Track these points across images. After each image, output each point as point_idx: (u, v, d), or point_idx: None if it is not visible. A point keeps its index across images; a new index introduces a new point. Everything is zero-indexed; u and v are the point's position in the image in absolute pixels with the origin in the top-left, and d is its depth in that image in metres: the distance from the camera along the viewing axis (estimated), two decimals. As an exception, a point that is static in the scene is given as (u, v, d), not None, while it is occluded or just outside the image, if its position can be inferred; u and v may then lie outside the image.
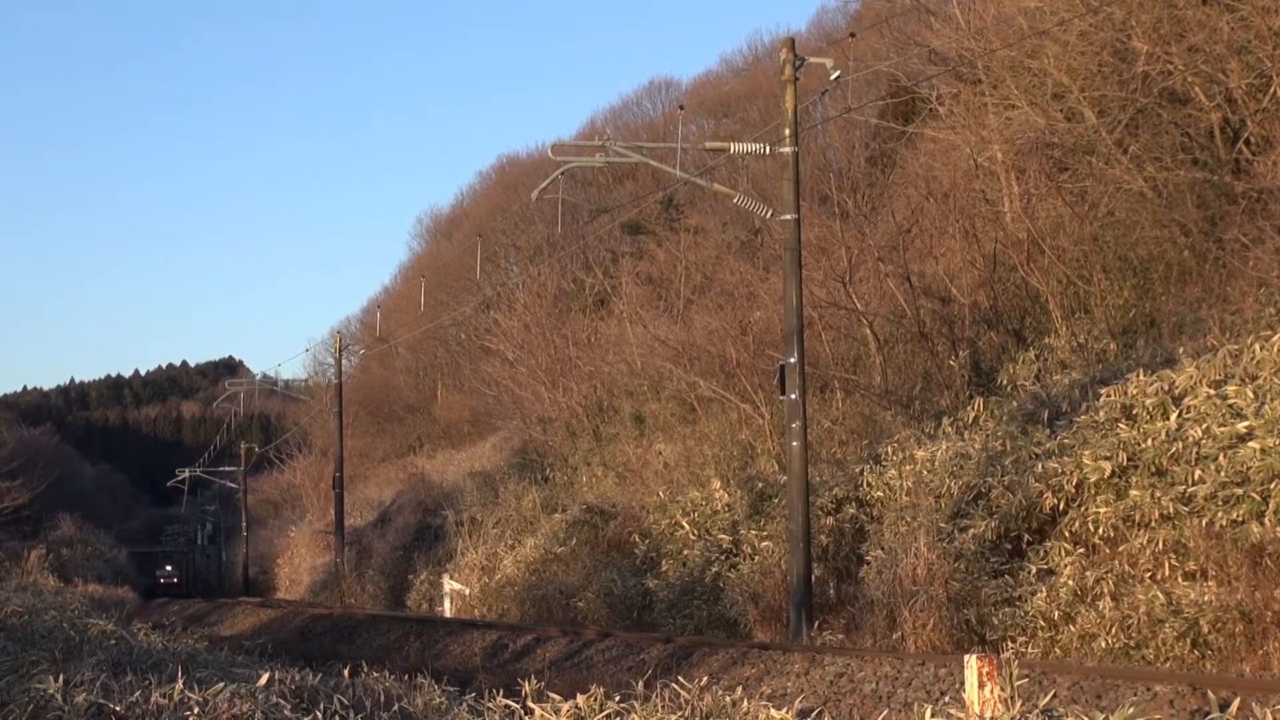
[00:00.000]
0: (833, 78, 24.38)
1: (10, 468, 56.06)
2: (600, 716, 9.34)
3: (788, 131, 22.95)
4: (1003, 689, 9.79)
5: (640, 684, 11.04)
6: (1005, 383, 26.88)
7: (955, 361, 30.45)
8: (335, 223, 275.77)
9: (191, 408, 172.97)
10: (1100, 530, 19.38)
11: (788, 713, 9.18)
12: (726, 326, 38.12)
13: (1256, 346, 19.59)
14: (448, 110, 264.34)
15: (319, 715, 9.80)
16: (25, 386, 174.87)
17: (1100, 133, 28.45)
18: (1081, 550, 19.72)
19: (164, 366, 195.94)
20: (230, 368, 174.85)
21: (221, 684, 10.37)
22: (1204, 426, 18.66)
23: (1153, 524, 18.57)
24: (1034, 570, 20.09)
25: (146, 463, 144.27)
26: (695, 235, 50.36)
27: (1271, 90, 25.53)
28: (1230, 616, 16.33)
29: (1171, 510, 18.33)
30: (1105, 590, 18.43)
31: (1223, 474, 17.76)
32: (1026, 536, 20.91)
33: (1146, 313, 27.34)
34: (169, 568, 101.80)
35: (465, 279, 73.67)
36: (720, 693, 10.02)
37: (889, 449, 26.47)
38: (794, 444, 22.46)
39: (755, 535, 27.29)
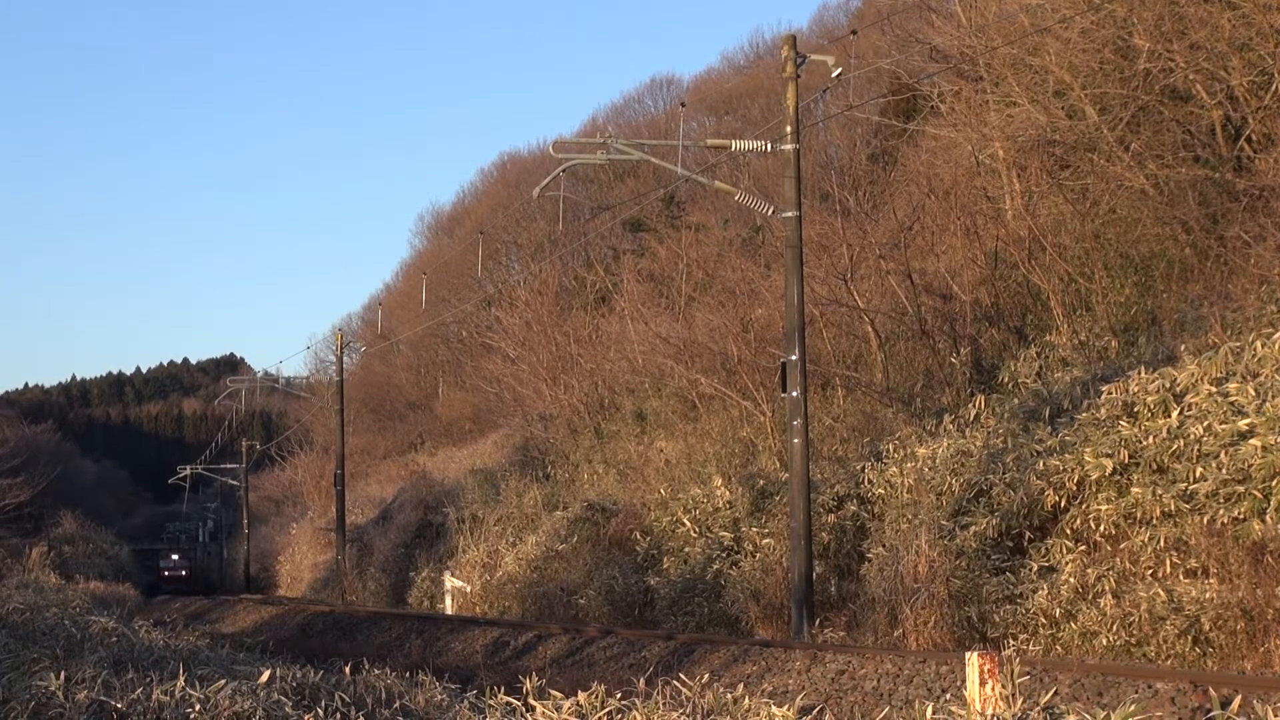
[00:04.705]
0: (834, 75, 24.35)
1: (12, 465, 56.07)
2: (602, 714, 9.33)
3: (789, 129, 22.95)
4: (1004, 686, 9.80)
5: (642, 681, 11.06)
6: (1006, 380, 26.88)
7: (957, 359, 30.45)
8: (337, 220, 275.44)
9: (193, 405, 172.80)
10: (1101, 528, 19.40)
11: (789, 710, 9.17)
12: (728, 324, 38.14)
13: (1258, 344, 19.57)
14: (449, 107, 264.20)
15: (320, 712, 9.80)
16: (27, 383, 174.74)
17: (1102, 130, 28.44)
18: (1083, 548, 19.73)
19: (165, 364, 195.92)
20: (232, 365, 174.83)
21: (223, 681, 10.36)
22: (1205, 424, 18.66)
23: (1154, 521, 18.58)
24: (1035, 568, 20.11)
25: (148, 460, 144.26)
26: (697, 232, 50.39)
27: (1273, 87, 25.51)
28: (1231, 614, 16.35)
29: (1173, 508, 18.34)
30: (1106, 588, 18.45)
31: (1224, 471, 17.76)
32: (1028, 534, 20.92)
33: (1148, 310, 27.34)
34: (175, 558, 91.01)
35: (467, 276, 73.78)
36: (722, 690, 10.02)
37: (890, 446, 26.46)
38: (795, 441, 22.46)
39: (756, 533, 27.30)
